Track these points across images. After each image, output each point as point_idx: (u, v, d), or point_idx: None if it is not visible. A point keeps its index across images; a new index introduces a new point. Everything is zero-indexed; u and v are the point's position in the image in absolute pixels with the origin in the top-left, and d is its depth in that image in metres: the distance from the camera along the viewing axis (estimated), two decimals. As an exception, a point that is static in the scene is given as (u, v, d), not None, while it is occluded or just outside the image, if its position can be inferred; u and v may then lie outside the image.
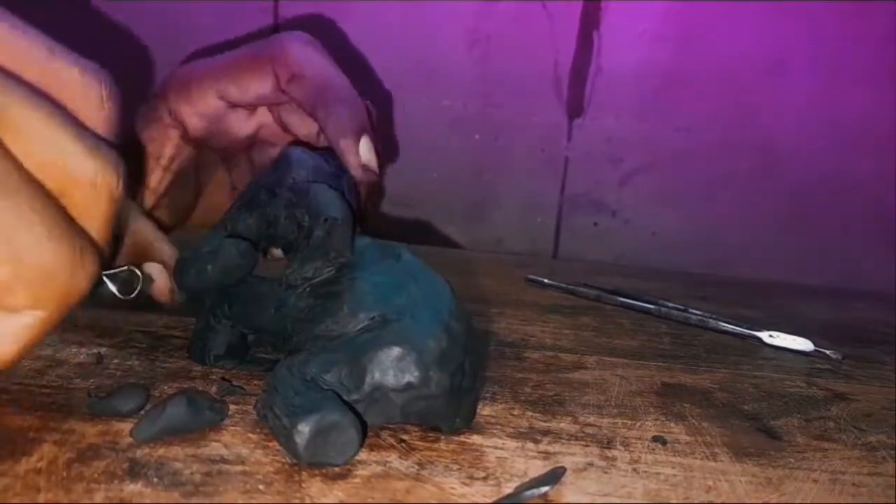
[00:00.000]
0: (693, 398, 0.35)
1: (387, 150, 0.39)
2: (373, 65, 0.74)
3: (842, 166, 0.77)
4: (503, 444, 0.27)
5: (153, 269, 0.35)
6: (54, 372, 0.30)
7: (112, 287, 0.32)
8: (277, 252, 0.34)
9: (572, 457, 0.27)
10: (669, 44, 0.74)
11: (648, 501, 0.24)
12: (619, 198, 0.78)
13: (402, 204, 0.77)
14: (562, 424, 0.30)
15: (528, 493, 0.23)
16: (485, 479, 0.24)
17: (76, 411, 0.27)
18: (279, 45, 0.37)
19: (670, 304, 0.53)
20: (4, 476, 0.21)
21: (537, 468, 0.26)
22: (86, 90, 0.21)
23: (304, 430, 0.23)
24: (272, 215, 0.31)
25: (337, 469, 0.24)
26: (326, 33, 0.73)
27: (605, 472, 0.26)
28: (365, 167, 0.35)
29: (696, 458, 0.28)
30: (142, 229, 0.37)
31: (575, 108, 0.76)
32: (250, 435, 0.26)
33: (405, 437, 0.27)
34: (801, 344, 0.46)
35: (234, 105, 0.37)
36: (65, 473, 0.22)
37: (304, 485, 0.23)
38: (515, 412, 0.31)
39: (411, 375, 0.26)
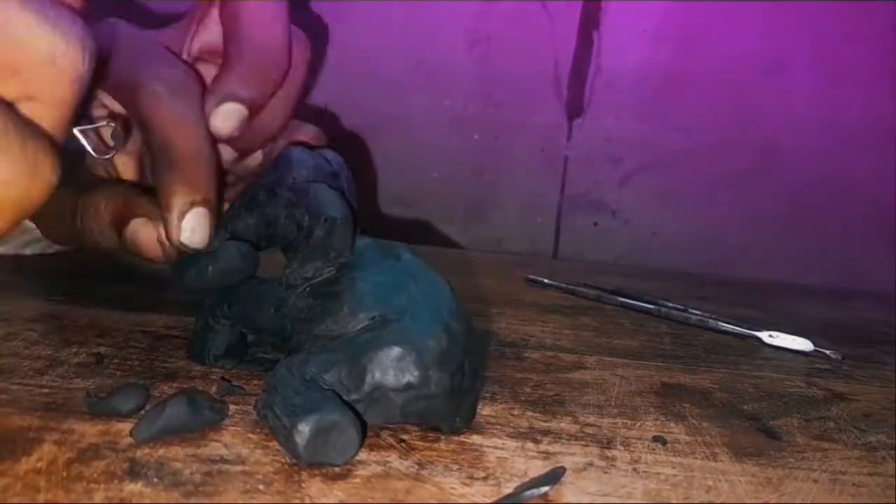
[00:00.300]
0: (693, 398, 0.35)
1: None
2: (373, 65, 0.74)
3: (842, 166, 0.77)
4: (503, 444, 0.27)
5: (137, 223, 0.31)
6: (54, 372, 0.30)
7: (86, 144, 0.29)
8: None
9: (572, 457, 0.27)
10: (669, 44, 0.74)
11: (648, 501, 0.24)
12: (619, 198, 0.78)
13: (402, 204, 0.77)
14: (562, 424, 0.30)
15: (528, 493, 0.23)
16: (485, 479, 0.24)
17: (76, 411, 0.26)
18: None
19: (670, 304, 0.53)
20: (4, 476, 0.21)
21: (537, 468, 0.26)
22: None
23: (304, 429, 0.23)
24: (272, 215, 0.31)
25: (337, 469, 0.24)
26: (327, 33, 0.73)
27: (605, 472, 0.26)
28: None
29: (696, 458, 0.28)
30: (117, 187, 0.33)
31: (575, 108, 0.76)
32: (250, 435, 0.26)
33: (405, 437, 0.27)
34: (801, 344, 0.46)
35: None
36: (65, 473, 0.22)
37: (304, 485, 0.23)
38: (515, 412, 0.31)
39: (411, 375, 0.26)
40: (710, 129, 0.76)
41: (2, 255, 0.38)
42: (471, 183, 0.77)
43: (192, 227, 0.30)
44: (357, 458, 0.25)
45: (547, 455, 0.27)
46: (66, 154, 0.20)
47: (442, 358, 0.26)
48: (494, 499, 0.23)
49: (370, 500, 0.22)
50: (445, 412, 0.27)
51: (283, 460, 0.24)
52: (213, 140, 0.32)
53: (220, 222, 0.32)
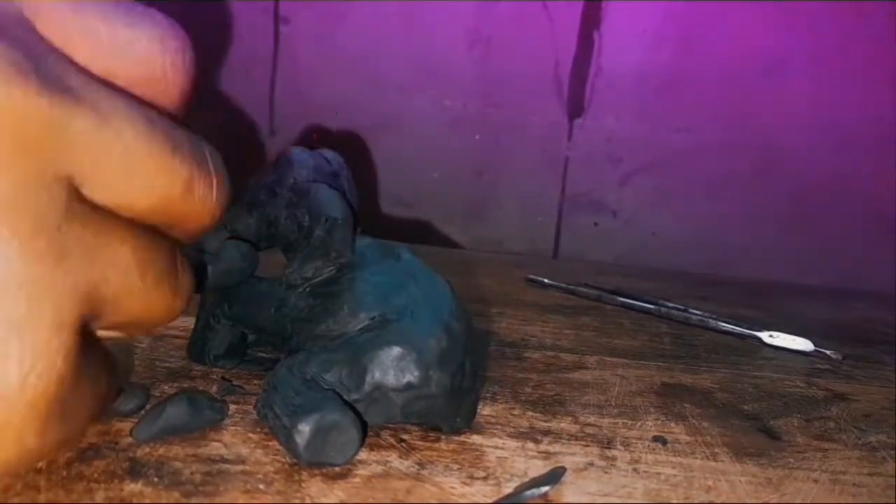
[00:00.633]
0: (693, 398, 0.35)
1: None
2: (373, 65, 0.74)
3: (842, 166, 0.77)
4: (503, 443, 0.27)
5: None
6: (54, 372, 0.30)
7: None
8: None
9: (572, 457, 0.27)
10: (669, 44, 0.74)
11: (649, 501, 0.24)
12: (620, 198, 0.78)
13: (402, 204, 0.77)
14: (562, 424, 0.30)
15: (528, 493, 0.23)
16: (485, 478, 0.24)
17: (76, 411, 0.26)
18: None
19: (670, 304, 0.53)
20: (4, 476, 0.21)
21: (537, 468, 0.26)
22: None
23: (304, 429, 0.23)
24: (272, 215, 0.31)
25: (337, 469, 0.24)
26: (327, 33, 0.73)
27: (606, 472, 0.26)
28: None
29: (696, 458, 0.28)
30: None
31: (575, 108, 0.76)
32: (250, 435, 0.26)
33: (405, 436, 0.27)
34: (801, 344, 0.46)
35: None
36: (65, 473, 0.22)
37: (304, 485, 0.23)
38: (516, 412, 0.31)
39: (411, 375, 0.26)
40: (710, 129, 0.76)
41: None
42: (471, 183, 0.77)
43: None
44: (357, 457, 0.25)
45: (547, 455, 0.27)
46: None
47: (442, 358, 0.26)
48: (494, 499, 0.23)
49: (370, 500, 0.22)
50: (446, 412, 0.27)
51: (284, 460, 0.24)
52: None
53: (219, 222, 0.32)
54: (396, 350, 0.26)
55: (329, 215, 0.29)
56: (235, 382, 0.31)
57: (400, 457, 0.25)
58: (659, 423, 0.31)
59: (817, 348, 0.46)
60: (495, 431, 0.29)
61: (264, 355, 0.34)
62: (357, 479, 0.23)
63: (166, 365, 0.32)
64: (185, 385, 0.30)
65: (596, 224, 0.79)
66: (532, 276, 0.60)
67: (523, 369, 0.37)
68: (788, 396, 0.37)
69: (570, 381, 0.36)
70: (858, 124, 0.76)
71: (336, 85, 0.74)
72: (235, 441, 0.25)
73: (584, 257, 0.79)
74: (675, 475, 0.26)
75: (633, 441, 0.29)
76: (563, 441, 0.28)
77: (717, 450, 0.29)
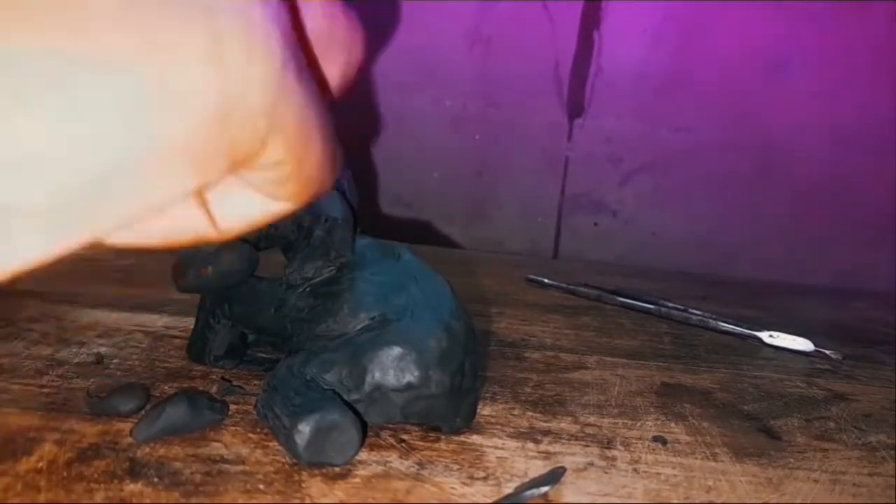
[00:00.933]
0: (693, 398, 0.35)
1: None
2: (373, 65, 0.74)
3: (842, 166, 0.77)
4: (503, 444, 0.27)
5: None
6: (54, 372, 0.30)
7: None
8: None
9: (572, 457, 0.27)
10: (670, 44, 0.74)
11: (649, 501, 0.24)
12: (620, 198, 0.78)
13: (402, 204, 0.77)
14: (562, 424, 0.30)
15: (528, 493, 0.23)
16: (485, 478, 0.24)
17: (76, 411, 0.26)
18: None
19: (670, 305, 0.53)
20: (5, 476, 0.21)
21: (537, 468, 0.26)
22: None
23: (304, 429, 0.23)
24: (272, 215, 0.30)
25: (337, 469, 0.24)
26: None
27: (606, 472, 0.26)
28: None
29: (696, 458, 0.28)
30: None
31: (575, 108, 0.76)
32: (250, 435, 0.26)
33: (405, 437, 0.27)
34: (801, 344, 0.46)
35: None
36: (65, 473, 0.22)
37: (304, 485, 0.23)
38: (516, 412, 0.31)
39: (411, 375, 0.26)
40: (710, 129, 0.76)
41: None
42: (471, 183, 0.77)
43: None
44: (357, 458, 0.25)
45: (547, 455, 0.27)
46: None
47: (442, 358, 0.26)
48: (494, 499, 0.23)
49: (370, 500, 0.22)
50: (446, 412, 0.27)
51: (284, 460, 0.24)
52: None
53: None
54: (396, 350, 0.26)
55: (329, 215, 0.29)
56: (235, 382, 0.31)
57: (400, 457, 0.25)
58: (659, 423, 0.31)
59: (817, 348, 0.46)
60: (495, 431, 0.29)
61: (264, 355, 0.34)
62: (357, 480, 0.23)
63: (166, 365, 0.32)
64: (185, 385, 0.30)
65: (596, 224, 0.79)
66: (532, 276, 0.60)
67: (523, 369, 0.37)
68: (788, 396, 0.37)
69: (570, 381, 0.36)
70: (858, 124, 0.76)
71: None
72: (235, 441, 0.25)
73: (584, 257, 0.79)
74: (675, 475, 0.26)
75: (633, 441, 0.29)
76: (563, 441, 0.28)
77: (717, 450, 0.29)
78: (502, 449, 0.27)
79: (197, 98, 0.13)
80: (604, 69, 0.75)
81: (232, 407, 0.28)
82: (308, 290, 0.29)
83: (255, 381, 0.31)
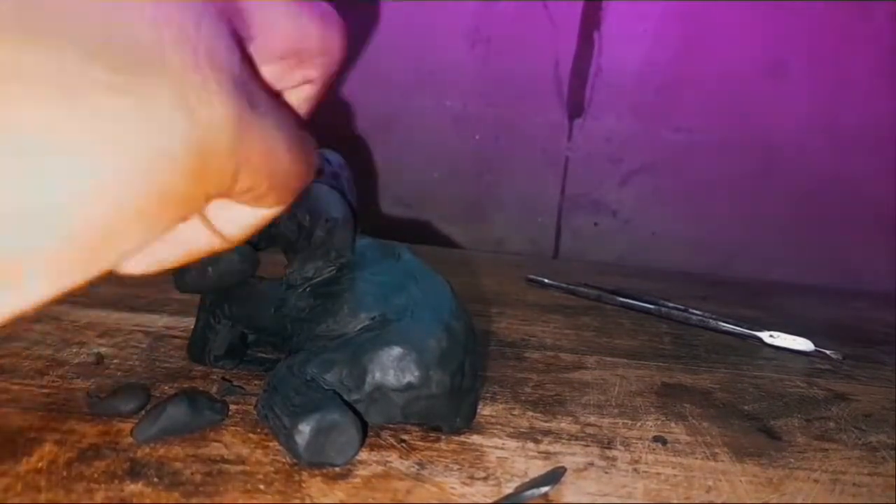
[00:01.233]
0: (693, 398, 0.35)
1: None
2: (373, 65, 0.74)
3: (842, 166, 0.77)
4: (503, 444, 0.27)
5: None
6: (54, 372, 0.30)
7: None
8: None
9: (572, 457, 0.27)
10: (670, 44, 0.74)
11: (649, 501, 0.24)
12: (620, 198, 0.78)
13: (402, 204, 0.77)
14: (562, 424, 0.30)
15: (529, 493, 0.23)
16: (485, 479, 0.24)
17: (76, 411, 0.26)
18: None
19: (670, 304, 0.53)
20: (5, 476, 0.21)
21: (537, 468, 0.26)
22: None
23: (304, 429, 0.23)
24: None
25: (337, 469, 0.24)
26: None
27: (606, 472, 0.26)
28: None
29: (696, 458, 0.28)
30: None
31: (575, 108, 0.76)
32: (250, 435, 0.26)
33: (405, 437, 0.27)
34: (801, 344, 0.46)
35: None
36: (65, 473, 0.22)
37: (304, 485, 0.23)
38: (516, 412, 0.31)
39: (412, 375, 0.26)
40: (710, 129, 0.76)
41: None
42: (471, 183, 0.77)
43: None
44: (357, 457, 0.25)
45: (547, 455, 0.27)
46: None
47: (442, 358, 0.26)
48: (494, 499, 0.23)
49: (370, 500, 0.22)
50: (446, 412, 0.27)
51: (284, 460, 0.24)
52: None
53: None
54: (396, 350, 0.26)
55: (330, 215, 0.29)
56: (235, 382, 0.31)
57: (400, 457, 0.25)
58: (659, 423, 0.31)
59: (817, 348, 0.46)
60: (495, 431, 0.29)
61: (264, 355, 0.34)
62: (357, 479, 0.23)
63: (166, 365, 0.32)
64: (185, 385, 0.30)
65: (596, 224, 0.79)
66: (532, 276, 0.60)
67: (523, 369, 0.37)
68: (788, 396, 0.37)
69: (570, 381, 0.36)
70: (858, 124, 0.76)
71: (336, 85, 0.74)
72: (235, 441, 0.25)
73: (584, 257, 0.79)
74: (675, 475, 0.26)
75: (633, 441, 0.29)
76: (563, 441, 0.28)
77: (717, 450, 0.29)
78: (502, 449, 0.27)
79: (175, 147, 0.14)
80: (604, 69, 0.75)
81: (232, 407, 0.28)
82: (308, 290, 0.29)
83: (255, 381, 0.31)
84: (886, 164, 0.77)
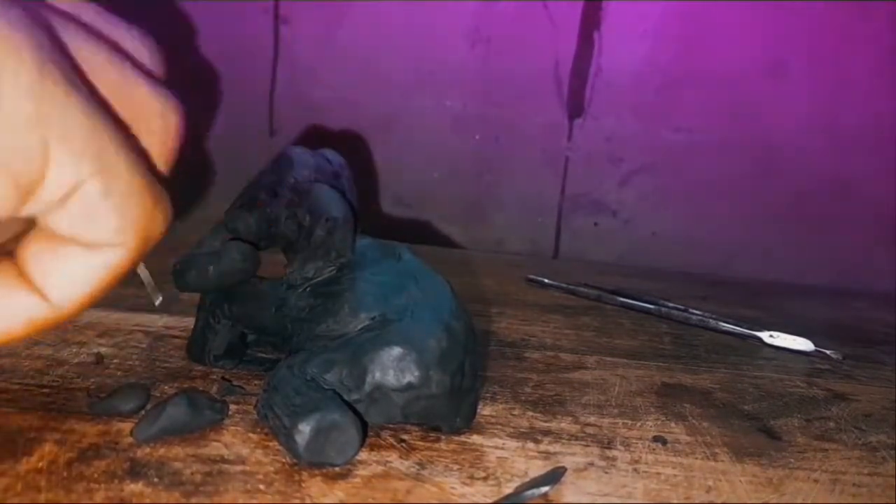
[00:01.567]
0: (693, 398, 0.35)
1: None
2: (373, 65, 0.74)
3: (842, 166, 0.77)
4: (503, 444, 0.27)
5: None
6: (54, 372, 0.30)
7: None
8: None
9: (572, 457, 0.27)
10: (670, 44, 0.74)
11: (649, 501, 0.24)
12: (620, 198, 0.78)
13: (402, 204, 0.77)
14: (562, 424, 0.30)
15: (529, 493, 0.23)
16: (485, 479, 0.24)
17: (76, 411, 0.26)
18: None
19: (670, 304, 0.53)
20: (4, 476, 0.21)
21: (538, 468, 0.26)
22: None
23: (304, 429, 0.23)
24: (273, 215, 0.31)
25: (337, 469, 0.24)
26: (327, 33, 0.73)
27: (606, 472, 0.26)
28: None
29: (696, 458, 0.28)
30: None
31: (575, 108, 0.76)
32: (250, 435, 0.26)
33: (405, 437, 0.27)
34: (802, 344, 0.46)
35: None
36: (65, 473, 0.22)
37: (304, 485, 0.23)
38: (516, 412, 0.31)
39: (412, 375, 0.26)
40: (710, 129, 0.76)
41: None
42: (471, 183, 0.77)
43: None
44: (357, 457, 0.25)
45: (547, 455, 0.27)
46: None
47: (442, 358, 0.26)
48: (494, 499, 0.23)
49: (370, 500, 0.22)
50: (446, 412, 0.27)
51: (284, 460, 0.24)
52: None
53: (220, 221, 0.32)
54: (397, 350, 0.26)
55: (330, 215, 0.29)
56: (235, 382, 0.31)
57: (400, 457, 0.25)
58: (659, 423, 0.31)
59: (817, 348, 0.46)
60: (495, 431, 0.29)
61: (264, 355, 0.34)
62: (357, 479, 0.23)
63: (166, 365, 0.32)
64: (185, 385, 0.30)
65: (596, 224, 0.79)
66: (532, 276, 0.60)
67: (523, 369, 0.37)
68: (788, 396, 0.37)
69: (570, 381, 0.36)
70: (858, 124, 0.76)
71: (336, 85, 0.74)
72: (235, 441, 0.25)
73: (584, 257, 0.79)
74: (675, 475, 0.26)
75: (633, 441, 0.29)
76: (563, 441, 0.28)
77: (717, 450, 0.29)
78: (502, 449, 0.27)
79: None
80: (604, 69, 0.75)
81: (232, 407, 0.28)
82: (308, 289, 0.29)
83: (255, 381, 0.31)
84: (886, 164, 0.77)
